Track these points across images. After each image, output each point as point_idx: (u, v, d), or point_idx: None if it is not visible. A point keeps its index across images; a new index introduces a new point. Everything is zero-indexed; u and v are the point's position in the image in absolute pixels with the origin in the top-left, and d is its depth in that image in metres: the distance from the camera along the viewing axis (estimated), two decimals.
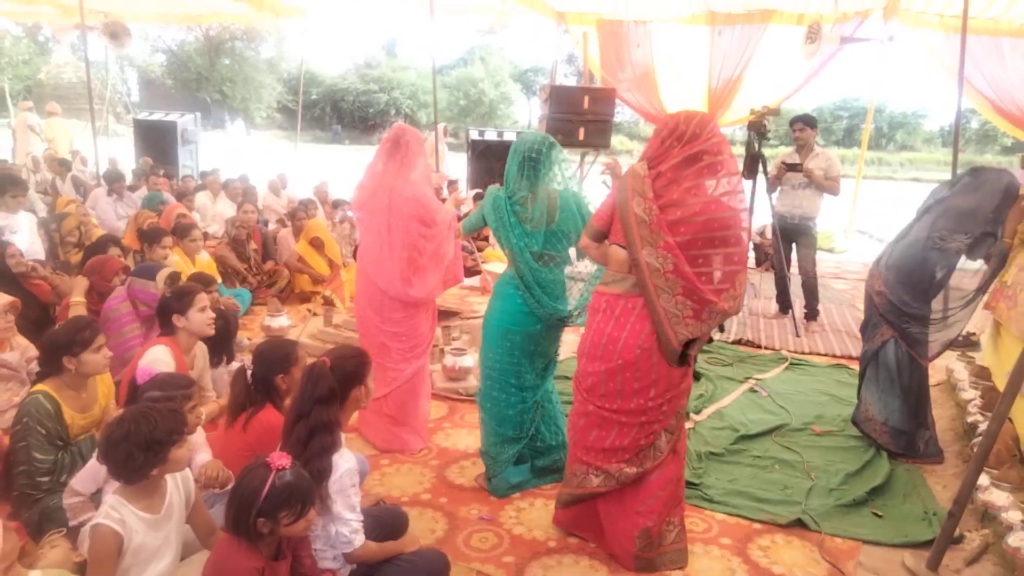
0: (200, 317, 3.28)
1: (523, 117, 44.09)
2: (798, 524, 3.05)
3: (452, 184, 10.38)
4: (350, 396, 2.44)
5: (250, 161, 19.97)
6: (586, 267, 3.24)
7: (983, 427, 3.67)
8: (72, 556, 2.53)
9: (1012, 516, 2.87)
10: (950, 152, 6.87)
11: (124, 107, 23.82)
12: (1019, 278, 4.14)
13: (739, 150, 5.72)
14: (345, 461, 2.32)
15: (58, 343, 2.83)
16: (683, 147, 2.49)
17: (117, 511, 2.09)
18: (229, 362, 3.85)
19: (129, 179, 9.31)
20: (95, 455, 2.41)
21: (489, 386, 3.28)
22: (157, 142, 12.65)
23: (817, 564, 2.80)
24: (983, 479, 3.12)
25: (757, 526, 3.06)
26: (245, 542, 2.06)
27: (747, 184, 5.36)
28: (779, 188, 6.02)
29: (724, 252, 2.50)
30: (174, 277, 3.93)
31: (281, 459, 2.11)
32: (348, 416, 2.49)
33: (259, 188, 10.34)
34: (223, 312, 3.74)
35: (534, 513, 3.10)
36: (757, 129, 5.69)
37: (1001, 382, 4.06)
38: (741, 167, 2.73)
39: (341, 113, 40.28)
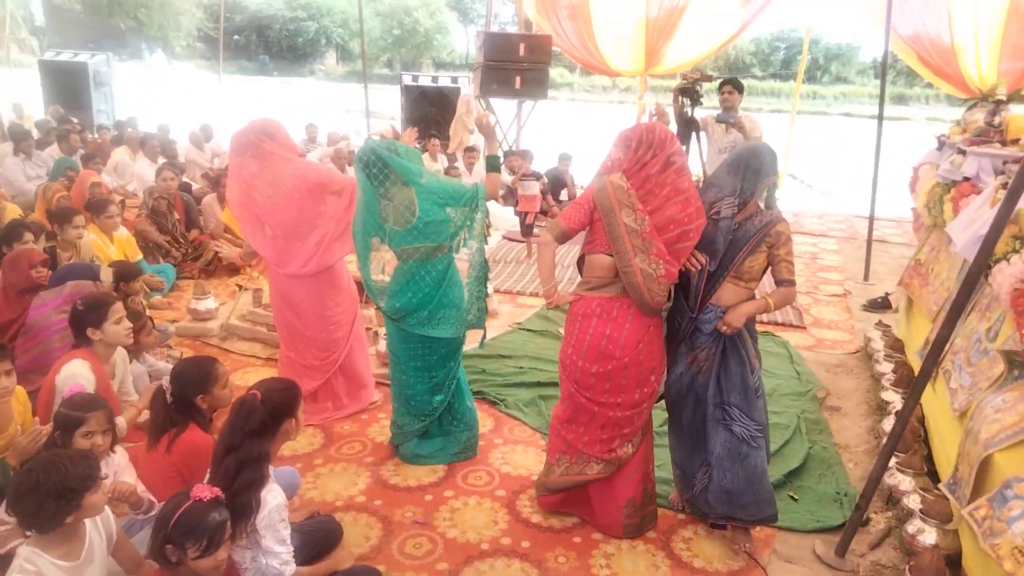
0: (116, 329, 3.15)
1: (461, 47, 42.74)
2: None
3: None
4: (280, 429, 2.43)
5: (171, 98, 18.88)
6: (471, 255, 3.33)
7: (894, 404, 3.88)
8: None
9: (912, 502, 3.07)
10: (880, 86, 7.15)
11: (28, 32, 22.11)
12: (931, 257, 4.32)
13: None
14: (274, 497, 2.32)
15: None
16: (655, 154, 2.69)
17: (32, 563, 2.04)
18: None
19: (36, 132, 8.71)
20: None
21: (393, 366, 3.52)
22: (67, 85, 11.88)
23: (735, 556, 2.95)
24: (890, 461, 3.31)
25: (681, 516, 3.19)
26: (167, 571, 2.05)
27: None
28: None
29: (688, 245, 2.74)
30: (119, 272, 3.90)
31: (203, 491, 2.10)
32: (278, 448, 2.47)
33: (181, 136, 9.83)
34: (137, 312, 3.60)
35: (468, 513, 3.15)
36: (689, 95, 5.67)
37: (912, 358, 4.27)
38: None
39: (268, 42, 38.33)
